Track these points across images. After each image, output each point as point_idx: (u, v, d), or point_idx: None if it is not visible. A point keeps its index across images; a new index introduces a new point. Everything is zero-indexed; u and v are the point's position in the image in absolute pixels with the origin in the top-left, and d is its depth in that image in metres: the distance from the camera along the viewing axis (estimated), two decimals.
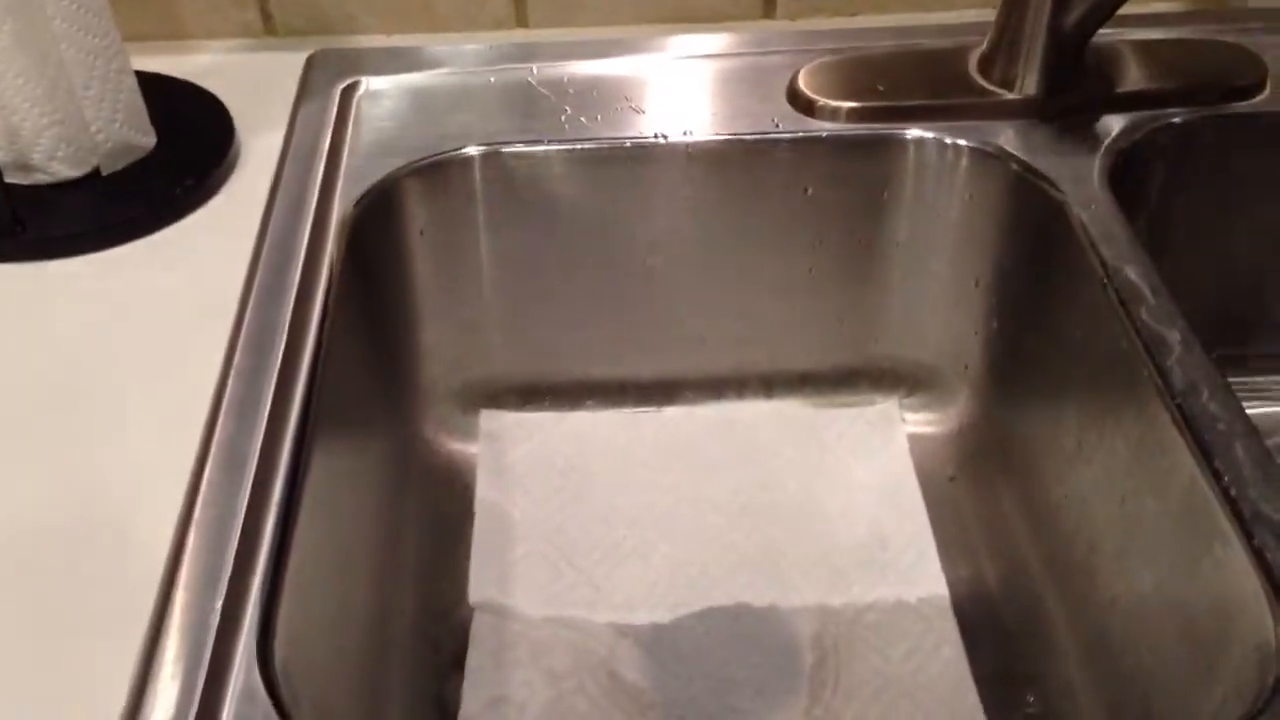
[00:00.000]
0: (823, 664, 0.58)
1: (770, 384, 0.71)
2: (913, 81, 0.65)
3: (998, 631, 0.60)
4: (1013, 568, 0.62)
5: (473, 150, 0.62)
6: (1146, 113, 0.63)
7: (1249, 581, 0.43)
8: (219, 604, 0.42)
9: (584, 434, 0.69)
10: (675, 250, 0.66)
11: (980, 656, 0.58)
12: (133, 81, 0.62)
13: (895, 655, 0.58)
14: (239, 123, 0.66)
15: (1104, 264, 0.55)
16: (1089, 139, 0.62)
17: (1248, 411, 0.48)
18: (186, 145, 0.64)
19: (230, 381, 0.50)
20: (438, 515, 0.65)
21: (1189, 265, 0.67)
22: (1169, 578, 0.48)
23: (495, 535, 0.64)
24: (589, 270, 0.67)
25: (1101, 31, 0.62)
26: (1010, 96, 0.63)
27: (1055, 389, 0.60)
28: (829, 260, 0.67)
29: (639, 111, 0.65)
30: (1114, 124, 0.63)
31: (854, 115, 0.64)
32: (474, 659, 0.58)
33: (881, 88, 0.65)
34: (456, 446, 0.69)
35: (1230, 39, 0.68)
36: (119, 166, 0.62)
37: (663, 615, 0.60)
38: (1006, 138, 0.62)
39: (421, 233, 0.64)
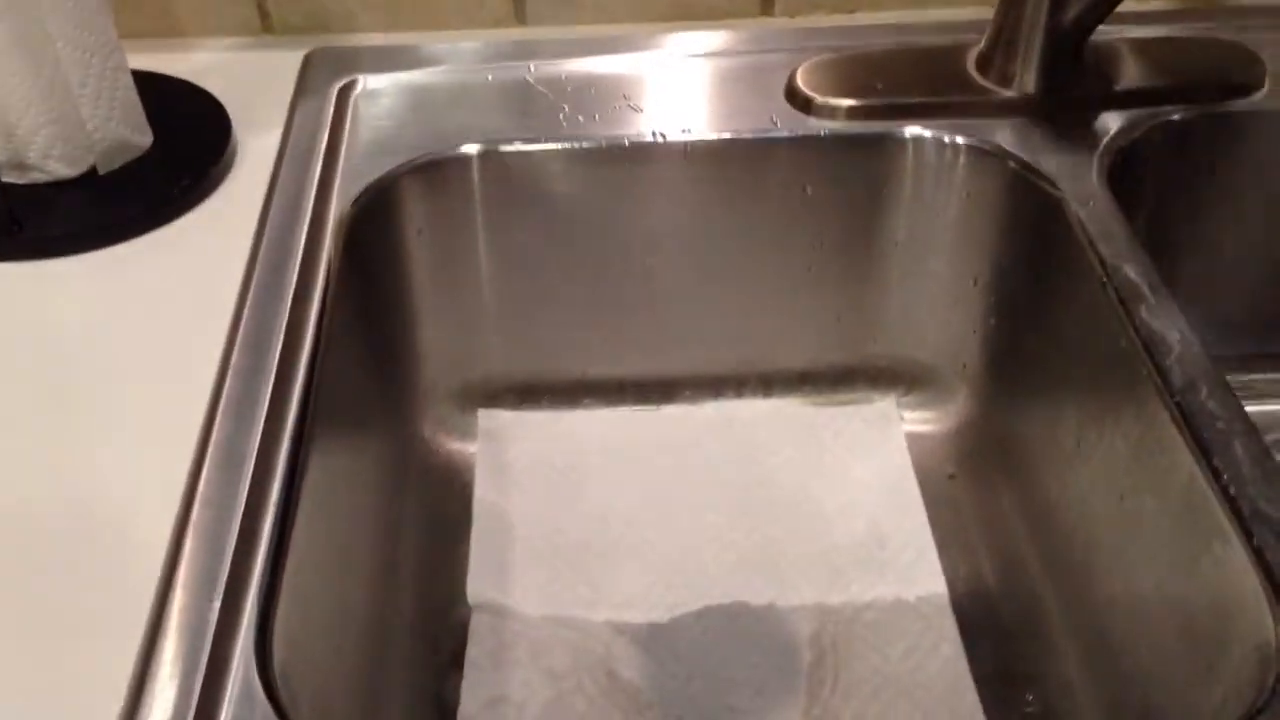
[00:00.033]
0: (821, 663, 0.58)
1: (769, 383, 0.71)
2: (911, 79, 0.65)
3: (997, 630, 0.60)
4: (1012, 566, 0.62)
5: (471, 149, 0.62)
6: (1145, 110, 0.63)
7: (1248, 580, 0.43)
8: (217, 604, 0.42)
9: (582, 433, 0.69)
10: (673, 249, 0.66)
11: (979, 655, 0.58)
12: (129, 80, 0.62)
13: (894, 654, 0.58)
14: (236, 121, 0.65)
15: (1103, 262, 0.55)
16: (1087, 137, 0.62)
17: (1246, 410, 0.48)
18: (183, 144, 0.64)
19: (228, 381, 0.50)
20: (436, 515, 0.65)
21: (1188, 263, 0.67)
22: (1168, 576, 0.48)
23: (493, 534, 0.63)
24: (587, 269, 0.67)
25: (1100, 29, 0.62)
26: (1008, 94, 0.63)
27: (1054, 387, 0.60)
28: (827, 258, 0.67)
29: (637, 110, 0.65)
30: (1112, 122, 0.62)
31: (852, 113, 0.64)
32: (472, 658, 0.58)
33: (880, 86, 0.65)
34: (455, 446, 0.69)
35: (1228, 37, 0.68)
36: (116, 165, 0.62)
37: (661, 614, 0.60)
38: (1005, 136, 0.62)
39: (419, 232, 0.64)
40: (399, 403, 0.67)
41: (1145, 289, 0.53)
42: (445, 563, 0.62)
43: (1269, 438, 0.47)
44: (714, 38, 0.71)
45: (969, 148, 0.62)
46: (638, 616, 0.60)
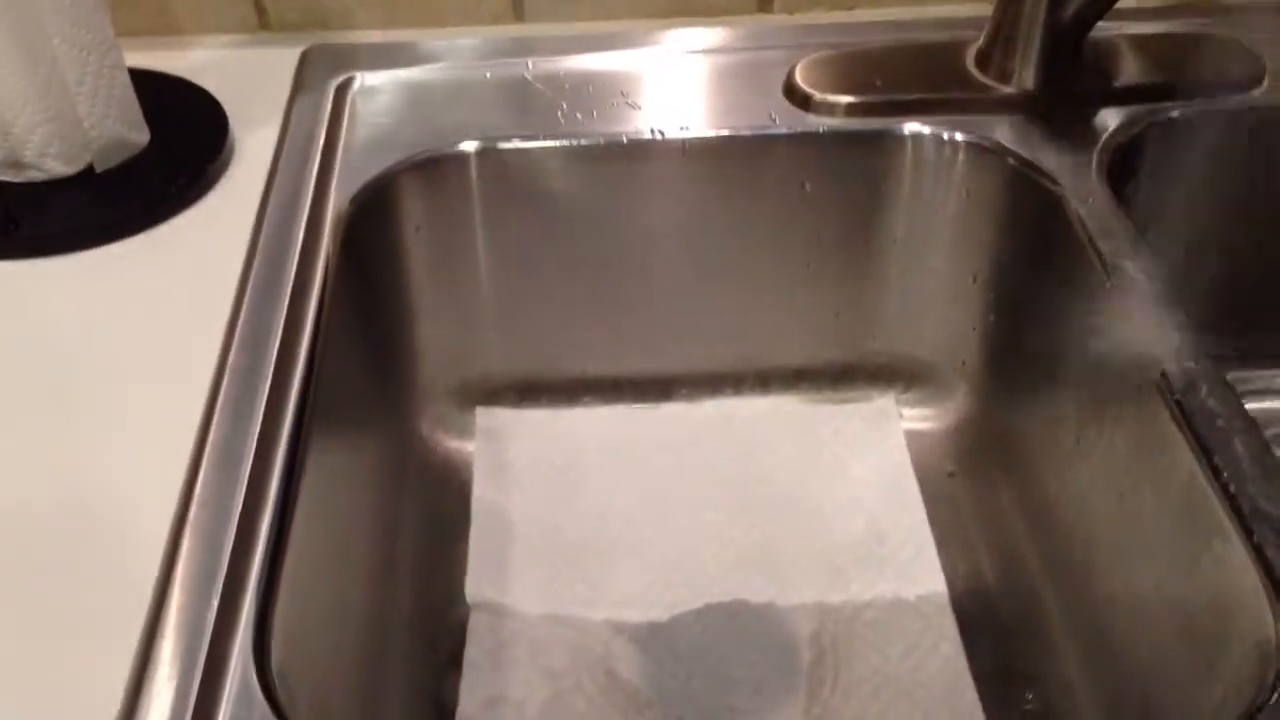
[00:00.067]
0: (821, 661, 0.58)
1: (767, 380, 0.71)
2: (910, 76, 0.65)
3: (996, 628, 0.60)
4: (1011, 564, 0.62)
5: (469, 146, 0.62)
6: (1144, 107, 0.63)
7: (1248, 578, 0.43)
8: (215, 603, 0.41)
9: (581, 431, 0.69)
10: (672, 246, 0.66)
11: (979, 654, 0.58)
12: (126, 78, 0.62)
13: (893, 653, 0.58)
14: (233, 119, 0.65)
15: (1102, 258, 0.55)
16: (1087, 133, 0.62)
17: (1246, 407, 0.48)
18: (180, 142, 0.64)
19: (225, 379, 0.50)
20: (434, 513, 0.65)
21: (1187, 259, 0.66)
22: (1168, 574, 0.48)
23: (492, 533, 0.63)
24: (585, 266, 0.66)
25: (1099, 25, 0.62)
26: (1008, 91, 0.63)
27: (1053, 385, 0.60)
28: (826, 255, 0.67)
29: (635, 107, 0.64)
30: (1112, 118, 0.62)
31: (851, 110, 0.63)
32: (471, 657, 0.58)
33: (878, 82, 0.65)
34: (453, 444, 0.69)
35: (1227, 33, 0.68)
36: (112, 163, 0.62)
37: (660, 613, 0.60)
38: (1004, 132, 0.62)
39: (417, 229, 0.63)
40: (397, 401, 0.67)
41: (1145, 285, 0.53)
42: (444, 561, 0.62)
43: (1269, 433, 0.47)
44: (712, 34, 0.71)
45: (968, 144, 0.62)
46: (637, 615, 0.60)
